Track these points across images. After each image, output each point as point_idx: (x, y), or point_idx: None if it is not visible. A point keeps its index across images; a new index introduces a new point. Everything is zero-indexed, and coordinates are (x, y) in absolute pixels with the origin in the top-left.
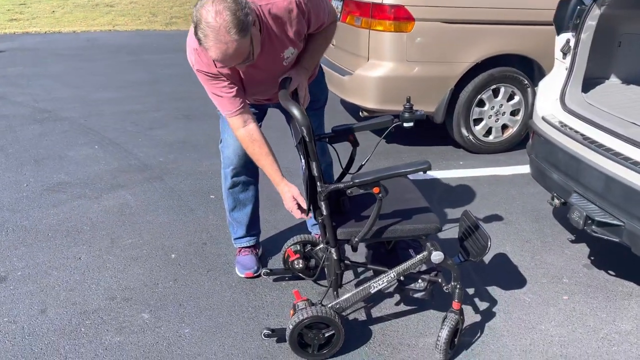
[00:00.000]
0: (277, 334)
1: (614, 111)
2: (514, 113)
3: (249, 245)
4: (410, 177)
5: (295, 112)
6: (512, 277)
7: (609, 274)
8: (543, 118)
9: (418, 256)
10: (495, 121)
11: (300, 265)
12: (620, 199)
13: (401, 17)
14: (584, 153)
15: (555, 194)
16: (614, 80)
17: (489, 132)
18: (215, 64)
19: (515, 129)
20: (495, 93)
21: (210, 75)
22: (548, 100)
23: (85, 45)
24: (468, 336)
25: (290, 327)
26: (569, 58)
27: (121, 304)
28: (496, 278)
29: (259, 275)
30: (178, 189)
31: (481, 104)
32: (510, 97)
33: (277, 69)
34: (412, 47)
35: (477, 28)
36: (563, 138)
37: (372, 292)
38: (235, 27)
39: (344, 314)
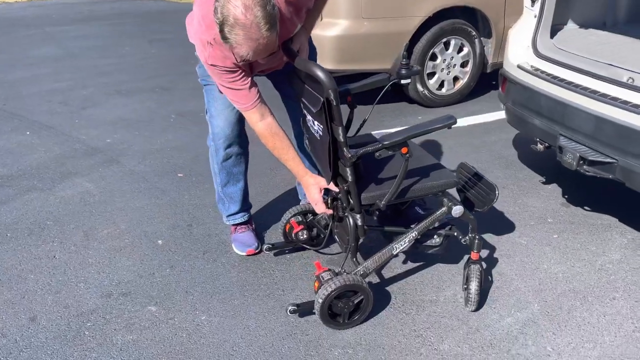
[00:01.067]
0: (303, 308)
1: (587, 54)
2: (463, 65)
3: (244, 221)
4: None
5: (321, 74)
6: (503, 223)
7: (585, 209)
8: (518, 66)
9: (438, 212)
10: (447, 74)
11: (305, 236)
12: (612, 137)
13: None
14: (569, 97)
15: (538, 139)
16: (572, 25)
17: (441, 85)
18: (234, 58)
19: (465, 80)
20: (446, 46)
21: (226, 69)
22: (520, 48)
23: None
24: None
25: (320, 300)
26: (537, 5)
27: (121, 300)
28: (489, 226)
29: (261, 251)
30: (140, 171)
31: (433, 57)
32: (460, 50)
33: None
34: (367, 3)
35: None
36: (544, 84)
37: (395, 253)
38: (266, 22)
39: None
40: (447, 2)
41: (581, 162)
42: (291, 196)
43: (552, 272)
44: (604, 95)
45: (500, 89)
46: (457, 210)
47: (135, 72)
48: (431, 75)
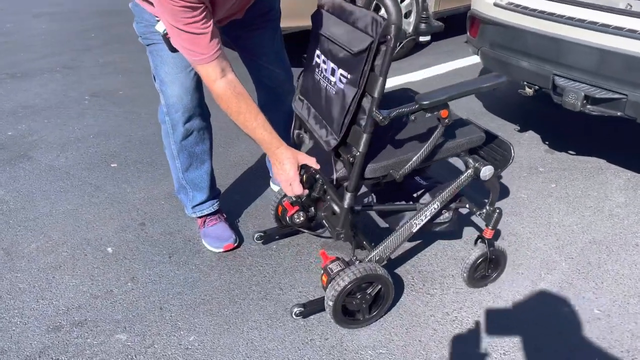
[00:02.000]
0: (311, 309)
1: None
2: (406, 15)
3: (213, 211)
4: None
5: (390, 4)
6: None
7: (570, 153)
8: (495, 4)
9: (463, 175)
10: None
11: (302, 219)
12: (620, 71)
13: None
14: (563, 32)
15: (525, 83)
16: None
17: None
18: None
19: (409, 31)
20: None
21: (187, 4)
22: None
23: None
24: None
25: (331, 302)
26: None
27: (75, 332)
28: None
29: (239, 245)
30: (60, 166)
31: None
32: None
33: None
34: None
35: None
36: (529, 20)
37: (415, 230)
38: None
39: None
40: None
41: (585, 101)
42: (256, 176)
43: (565, 224)
44: (604, 25)
45: (469, 33)
46: (487, 171)
47: (28, 51)
48: None
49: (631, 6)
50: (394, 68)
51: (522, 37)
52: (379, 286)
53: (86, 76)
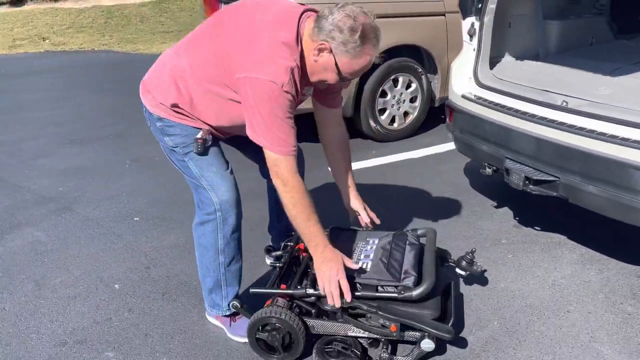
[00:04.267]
0: (244, 311)
1: (524, 82)
2: (412, 100)
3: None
4: None
5: None
6: (459, 247)
7: (535, 229)
8: (462, 96)
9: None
10: (398, 109)
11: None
12: (553, 157)
13: None
14: (511, 122)
15: (486, 164)
16: (508, 57)
17: (392, 120)
18: (299, 87)
19: (415, 114)
20: (395, 83)
21: (292, 98)
22: (463, 79)
23: None
24: None
25: (251, 321)
26: (475, 40)
27: (76, 348)
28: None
29: None
30: (94, 217)
31: (383, 94)
32: (408, 86)
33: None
34: None
35: None
36: (487, 111)
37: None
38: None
39: None
40: (392, 41)
41: (527, 182)
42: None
43: (509, 290)
44: (542, 118)
45: (447, 119)
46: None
47: (89, 122)
48: (382, 111)
49: (567, 103)
50: (398, 145)
51: (482, 124)
52: (288, 331)
53: (132, 144)
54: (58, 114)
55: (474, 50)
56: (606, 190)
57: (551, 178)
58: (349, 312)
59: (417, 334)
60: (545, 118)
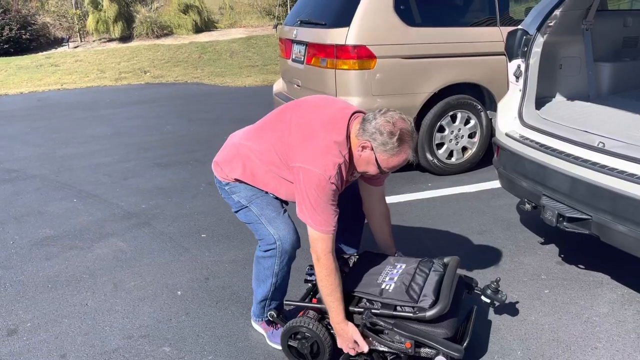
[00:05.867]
0: (281, 320)
1: (566, 123)
2: (471, 135)
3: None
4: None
5: None
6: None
7: (579, 267)
8: (506, 134)
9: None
10: (456, 144)
11: None
12: (586, 196)
13: (364, 56)
14: (549, 160)
15: (526, 200)
16: (559, 98)
17: (450, 154)
18: (345, 178)
19: (473, 150)
20: (453, 119)
21: (337, 188)
22: (508, 118)
23: (37, 104)
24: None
25: (285, 327)
26: (521, 81)
27: (139, 341)
28: (483, 281)
29: None
30: (168, 232)
31: (441, 129)
32: (467, 122)
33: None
34: (375, 82)
35: (432, 62)
36: (528, 150)
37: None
38: None
39: None
40: (450, 79)
41: (560, 219)
42: None
43: (539, 323)
44: (577, 158)
45: (495, 155)
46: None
47: (174, 147)
48: (440, 145)
49: (604, 144)
50: (454, 179)
51: (522, 162)
52: (315, 340)
53: (209, 169)
54: (149, 140)
55: (520, 90)
56: (635, 230)
57: (584, 216)
58: (369, 328)
59: (432, 351)
60: (580, 158)
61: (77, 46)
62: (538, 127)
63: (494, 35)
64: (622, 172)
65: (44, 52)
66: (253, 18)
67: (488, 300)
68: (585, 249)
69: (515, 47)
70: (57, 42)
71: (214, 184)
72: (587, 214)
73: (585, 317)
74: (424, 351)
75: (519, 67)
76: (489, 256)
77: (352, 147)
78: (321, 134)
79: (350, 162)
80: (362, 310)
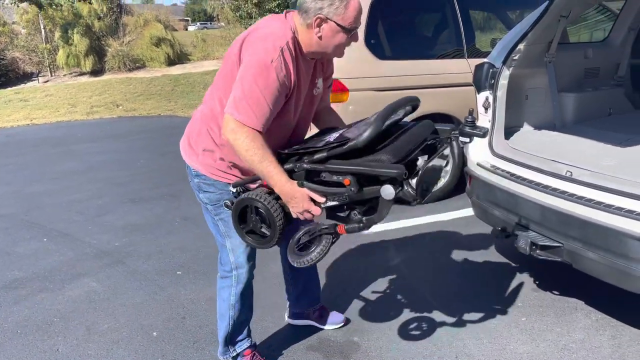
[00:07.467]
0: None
1: (535, 152)
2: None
3: (252, 343)
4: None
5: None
6: (475, 307)
7: (554, 293)
8: (478, 164)
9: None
10: None
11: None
12: (556, 224)
13: (337, 89)
14: (520, 189)
15: (499, 228)
16: (527, 127)
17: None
18: (290, 70)
19: (447, 178)
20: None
21: (279, 78)
22: (479, 148)
23: (5, 141)
24: None
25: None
26: (490, 112)
27: None
28: (461, 310)
29: None
30: (142, 270)
31: (414, 159)
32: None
33: (309, 96)
34: (349, 114)
35: (402, 94)
36: (499, 179)
37: None
38: None
39: None
40: (421, 110)
41: (533, 247)
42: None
43: (517, 352)
44: (546, 187)
45: (467, 184)
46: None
47: (148, 182)
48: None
49: (571, 173)
50: (429, 207)
51: (494, 191)
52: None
53: (183, 203)
54: (121, 175)
55: (489, 121)
56: (604, 257)
57: (555, 244)
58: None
59: (376, 187)
60: (550, 186)
61: (47, 80)
62: (508, 156)
63: (462, 67)
64: (590, 200)
65: (13, 87)
66: (225, 50)
67: (467, 140)
68: (559, 275)
69: (482, 80)
70: (27, 77)
71: (188, 219)
72: (559, 241)
73: (562, 344)
74: (368, 190)
75: (487, 99)
76: (465, 285)
77: (306, 39)
78: (261, 42)
79: (304, 56)
80: (292, 165)
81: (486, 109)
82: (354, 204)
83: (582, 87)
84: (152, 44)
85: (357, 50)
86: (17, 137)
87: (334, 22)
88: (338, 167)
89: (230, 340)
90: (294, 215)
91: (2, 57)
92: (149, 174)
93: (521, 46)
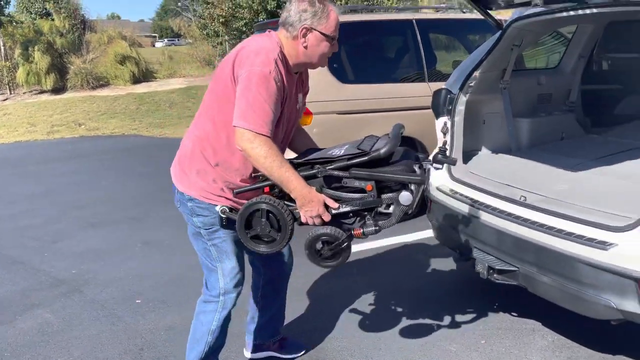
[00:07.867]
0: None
1: (491, 176)
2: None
3: None
4: None
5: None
6: (436, 332)
7: (512, 315)
8: (437, 188)
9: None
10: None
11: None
12: (512, 248)
13: None
14: (477, 214)
15: (459, 252)
16: (485, 151)
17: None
18: (284, 80)
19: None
20: None
21: (278, 87)
22: (439, 172)
23: None
24: None
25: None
26: (448, 136)
27: None
28: (422, 333)
29: None
30: (100, 299)
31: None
32: None
33: (294, 111)
34: (314, 136)
35: (365, 117)
36: (457, 203)
37: None
38: None
39: None
40: (383, 133)
41: (491, 271)
42: None
43: None
44: (502, 212)
45: (428, 208)
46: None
47: (110, 205)
48: None
49: (525, 198)
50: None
51: (453, 215)
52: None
53: (146, 227)
54: (82, 197)
55: (447, 146)
56: (558, 281)
57: (512, 268)
58: (327, 186)
59: (394, 194)
60: (505, 211)
61: (6, 99)
62: (466, 181)
63: (423, 90)
64: (543, 225)
65: None
66: (193, 68)
67: (440, 167)
68: (519, 296)
69: (440, 106)
70: None
71: (150, 243)
72: (515, 265)
73: None
74: (386, 197)
75: (445, 124)
76: (426, 308)
77: (292, 51)
78: (252, 57)
79: (290, 69)
80: (316, 171)
81: (444, 133)
82: (363, 211)
83: (536, 112)
84: (116, 61)
85: (321, 75)
86: None
87: (318, 31)
88: (365, 173)
89: None
90: (304, 220)
91: None
92: (112, 196)
93: (477, 73)
